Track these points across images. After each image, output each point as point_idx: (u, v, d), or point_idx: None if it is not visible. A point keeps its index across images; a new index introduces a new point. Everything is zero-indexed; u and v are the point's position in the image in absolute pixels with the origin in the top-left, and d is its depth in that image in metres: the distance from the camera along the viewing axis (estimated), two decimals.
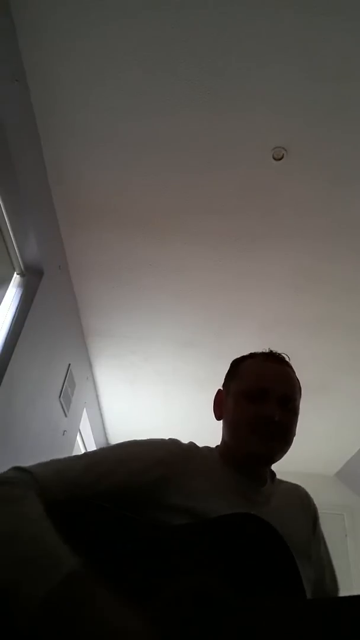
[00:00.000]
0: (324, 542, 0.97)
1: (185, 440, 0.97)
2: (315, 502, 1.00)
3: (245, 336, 3.10)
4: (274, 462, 0.94)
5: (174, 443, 0.92)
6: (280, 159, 2.02)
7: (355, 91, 1.77)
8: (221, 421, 1.01)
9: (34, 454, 2.47)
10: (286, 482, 1.02)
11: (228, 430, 0.96)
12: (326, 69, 1.71)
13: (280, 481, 1.01)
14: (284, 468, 1.03)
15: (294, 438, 0.95)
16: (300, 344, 3.17)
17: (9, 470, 0.75)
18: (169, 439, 0.93)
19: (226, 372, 1.05)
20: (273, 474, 1.01)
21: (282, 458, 0.93)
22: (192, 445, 0.95)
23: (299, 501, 0.98)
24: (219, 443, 1.01)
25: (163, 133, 2.00)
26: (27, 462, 0.78)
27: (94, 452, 0.87)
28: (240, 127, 1.94)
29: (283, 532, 0.65)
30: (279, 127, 1.92)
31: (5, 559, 0.58)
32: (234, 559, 0.63)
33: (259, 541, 0.65)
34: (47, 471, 0.76)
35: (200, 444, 1.04)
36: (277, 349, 1.03)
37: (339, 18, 1.57)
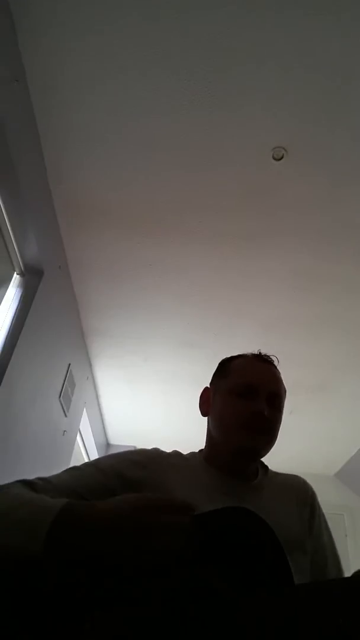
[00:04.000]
0: (327, 530, 0.97)
1: (182, 441, 0.98)
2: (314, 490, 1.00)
3: (245, 336, 3.10)
4: (260, 456, 0.96)
5: (154, 449, 0.97)
6: (280, 159, 2.03)
7: (355, 91, 1.77)
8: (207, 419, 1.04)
9: (34, 454, 2.47)
10: (283, 474, 1.03)
11: (216, 425, 0.99)
12: (326, 69, 1.71)
13: (276, 474, 1.02)
14: (285, 468, 1.03)
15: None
16: (301, 344, 3.17)
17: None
18: (152, 448, 0.98)
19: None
20: (265, 467, 1.02)
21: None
22: (174, 452, 0.99)
23: (294, 492, 0.98)
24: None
25: (163, 133, 2.00)
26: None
27: (78, 465, 0.92)
28: (240, 127, 1.94)
29: (273, 525, 0.65)
30: (279, 127, 1.92)
31: (3, 529, 0.62)
32: (224, 553, 0.63)
33: (249, 534, 0.65)
34: (38, 479, 0.81)
35: (198, 444, 1.05)
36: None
37: (339, 18, 1.57)
